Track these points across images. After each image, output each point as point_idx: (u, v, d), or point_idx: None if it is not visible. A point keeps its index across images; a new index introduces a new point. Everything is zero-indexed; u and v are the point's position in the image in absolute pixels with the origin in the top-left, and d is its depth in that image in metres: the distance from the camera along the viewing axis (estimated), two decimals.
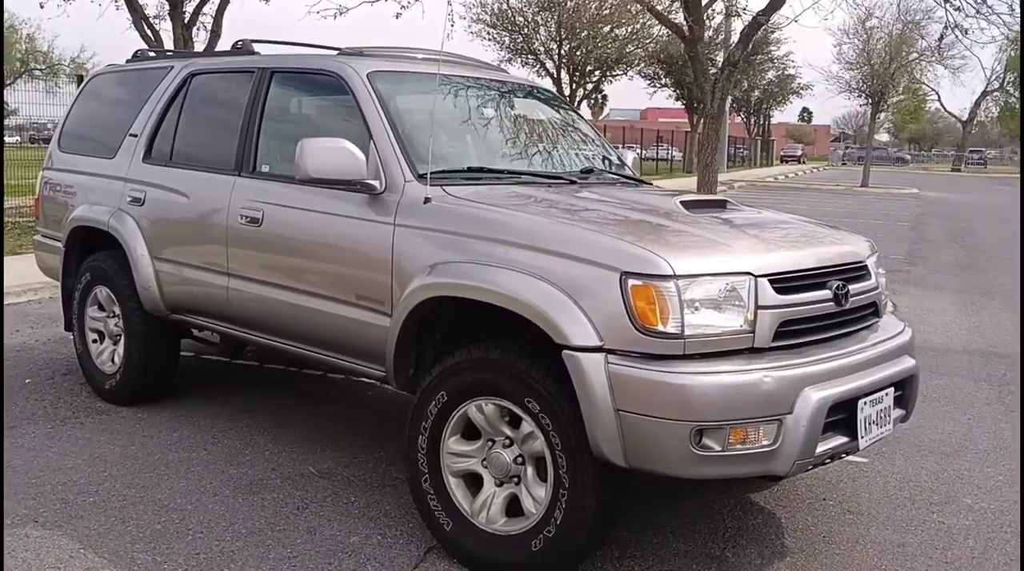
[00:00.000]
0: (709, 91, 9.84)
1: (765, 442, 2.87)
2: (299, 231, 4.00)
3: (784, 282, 3.09)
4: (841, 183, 37.23)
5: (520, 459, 3.21)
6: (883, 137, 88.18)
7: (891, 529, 3.80)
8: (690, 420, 2.79)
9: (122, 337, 5.03)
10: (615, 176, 4.57)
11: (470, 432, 3.36)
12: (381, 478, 4.15)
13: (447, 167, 3.87)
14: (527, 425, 3.14)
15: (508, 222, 3.32)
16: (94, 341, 5.23)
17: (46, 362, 5.98)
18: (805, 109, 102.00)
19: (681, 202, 3.68)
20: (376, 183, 3.70)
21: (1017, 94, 52.81)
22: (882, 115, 41.31)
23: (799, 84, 55.14)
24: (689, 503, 3.94)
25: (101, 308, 5.17)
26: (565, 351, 2.94)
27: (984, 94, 57.20)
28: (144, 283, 4.77)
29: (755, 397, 2.85)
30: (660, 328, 2.85)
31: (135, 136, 5.02)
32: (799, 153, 72.02)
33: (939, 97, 73.44)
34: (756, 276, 3.01)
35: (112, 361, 5.13)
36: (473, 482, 3.37)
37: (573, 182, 4.15)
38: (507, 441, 3.24)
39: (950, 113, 67.66)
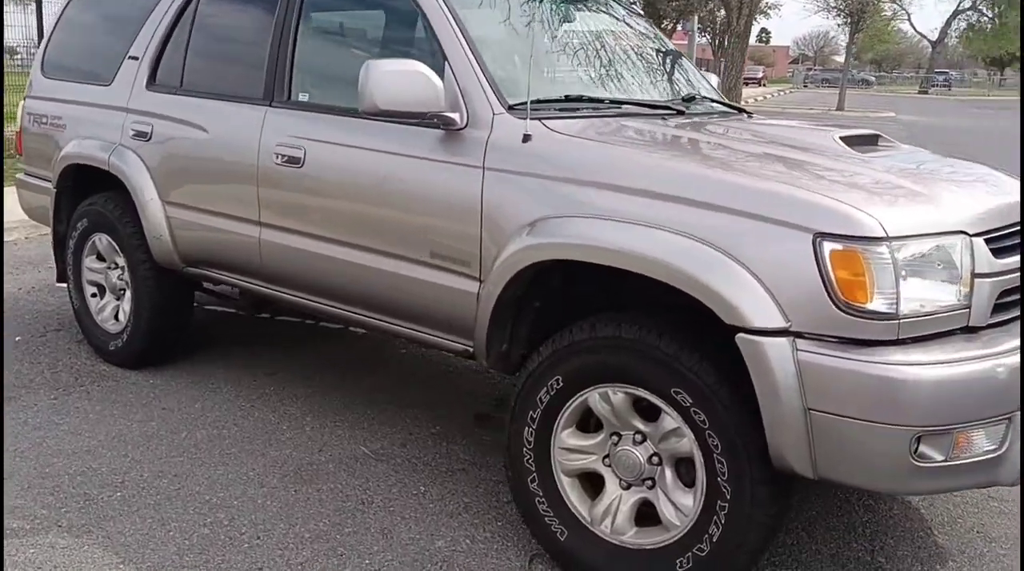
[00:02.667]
0: (735, 6, 9.08)
1: (990, 447, 2.32)
2: (354, 174, 3.32)
3: (998, 241, 2.51)
4: (815, 107, 36.64)
5: (656, 458, 2.64)
6: (844, 58, 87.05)
7: None
8: (912, 425, 2.22)
9: (127, 291, 4.34)
10: (718, 104, 3.90)
11: (588, 424, 2.78)
12: (447, 461, 3.57)
13: (538, 96, 3.19)
14: (670, 420, 2.56)
15: (643, 166, 2.68)
16: (93, 296, 4.53)
17: (35, 316, 5.27)
18: (763, 30, 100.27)
19: (840, 137, 3.05)
20: (455, 116, 3.02)
21: (989, 14, 52.16)
22: (859, 35, 40.55)
23: (766, 3, 53.89)
24: (805, 491, 3.41)
25: (100, 258, 4.46)
26: (740, 335, 2.34)
27: (956, 13, 56.45)
28: (155, 231, 4.06)
29: (988, 392, 2.29)
30: (868, 306, 2.26)
31: (136, 59, 4.25)
32: (760, 75, 70.82)
33: (909, 17, 72.74)
34: (971, 235, 2.42)
35: (116, 319, 4.45)
36: (590, 484, 2.80)
37: (681, 112, 3.49)
38: (638, 436, 2.66)
39: (920, 33, 66.97)
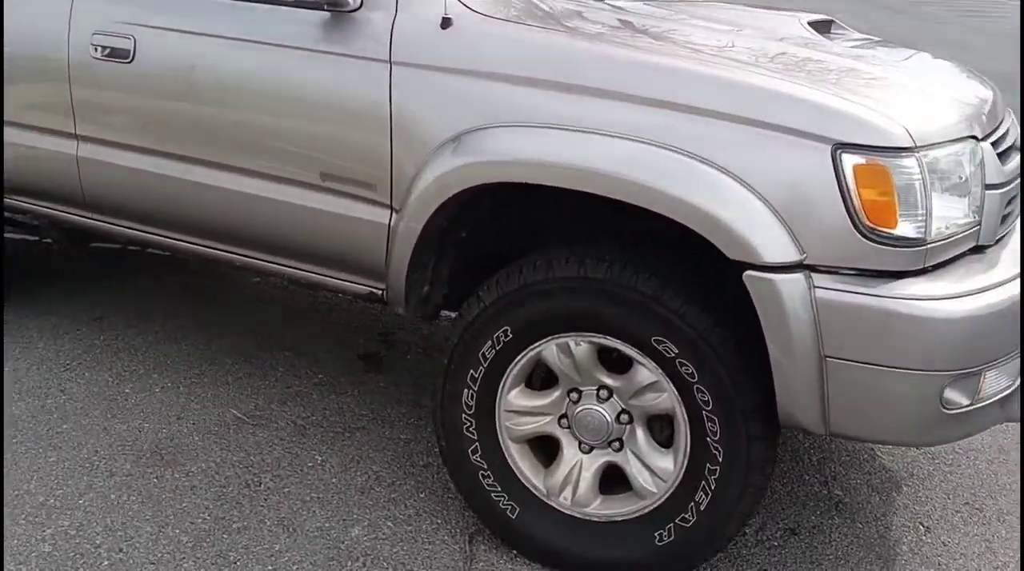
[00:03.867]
0: None
1: (1007, 384, 2.05)
2: (207, 72, 2.58)
3: (1000, 145, 2.20)
4: None
5: (625, 416, 2.22)
6: None
7: None
8: (944, 370, 1.89)
9: None
10: None
11: (539, 379, 2.31)
12: (341, 418, 3.02)
13: None
14: (646, 373, 2.13)
15: (610, 60, 2.14)
16: None
17: None
18: None
19: (809, 23, 2.62)
20: None
21: None
22: None
23: None
24: None
25: None
26: (749, 272, 1.91)
27: None
28: None
29: (1013, 323, 1.98)
30: (896, 231, 1.88)
31: None
32: None
33: None
34: (979, 139, 2.09)
35: None
36: (542, 449, 2.36)
37: None
38: (603, 392, 2.22)
39: None
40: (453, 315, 2.43)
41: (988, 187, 2.07)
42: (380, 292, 2.50)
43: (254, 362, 3.36)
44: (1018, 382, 2.07)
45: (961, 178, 1.99)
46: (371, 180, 2.38)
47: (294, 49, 2.43)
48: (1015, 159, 2.25)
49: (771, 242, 1.89)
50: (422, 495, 2.62)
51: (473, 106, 2.22)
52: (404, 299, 2.39)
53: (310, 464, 2.75)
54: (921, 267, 1.91)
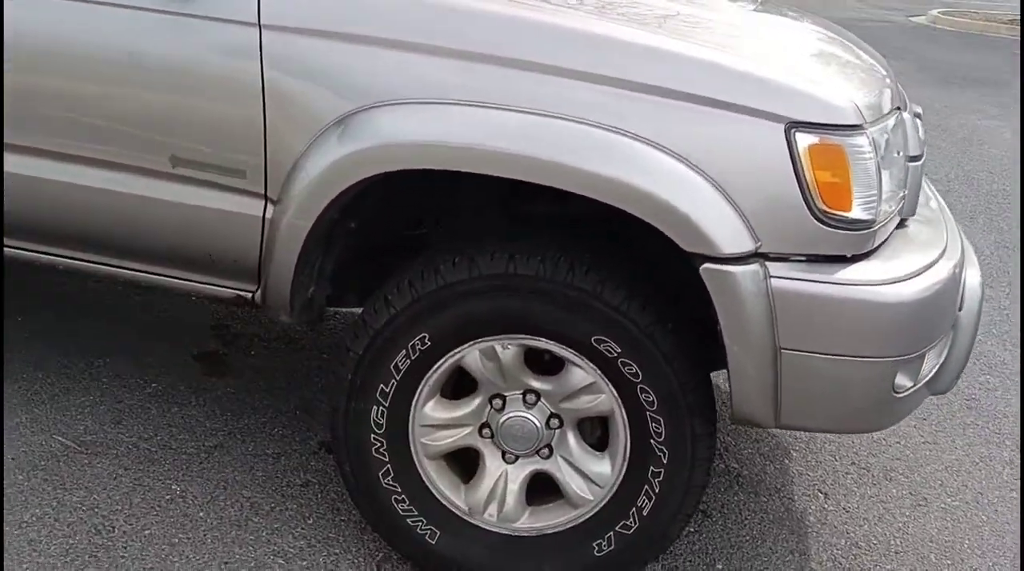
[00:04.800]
0: None
1: (935, 362, 2.03)
2: (20, 34, 2.06)
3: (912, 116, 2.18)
4: None
5: (555, 421, 2.02)
6: None
7: None
8: (899, 355, 1.83)
9: None
10: None
11: (452, 387, 2.06)
12: (191, 436, 2.62)
13: None
14: (581, 374, 1.94)
15: (535, 25, 1.87)
16: None
17: None
18: None
19: None
20: None
21: None
22: None
23: None
24: None
25: None
26: (707, 265, 1.75)
27: None
28: None
29: (952, 299, 1.96)
30: (850, 214, 1.78)
31: None
32: None
33: None
34: (902, 110, 2.05)
35: None
36: (458, 463, 2.12)
37: None
38: (531, 397, 2.01)
39: None
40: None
41: (910, 159, 2.04)
42: (250, 295, 2.14)
43: (72, 373, 2.85)
44: (949, 354, 2.07)
45: (898, 153, 1.93)
46: (238, 166, 2.00)
47: (139, 11, 1.98)
48: (921, 127, 2.24)
49: (729, 232, 1.74)
50: (310, 521, 2.31)
51: (360, 79, 1.90)
52: (289, 304, 2.05)
53: (168, 497, 2.35)
54: (871, 248, 1.84)
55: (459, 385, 2.07)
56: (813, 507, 2.56)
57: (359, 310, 2.11)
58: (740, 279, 1.75)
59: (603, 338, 1.87)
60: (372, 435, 2.01)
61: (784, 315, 1.77)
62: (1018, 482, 2.72)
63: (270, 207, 2.00)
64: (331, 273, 2.14)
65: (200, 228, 2.08)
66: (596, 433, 2.07)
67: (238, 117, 1.95)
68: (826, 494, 2.62)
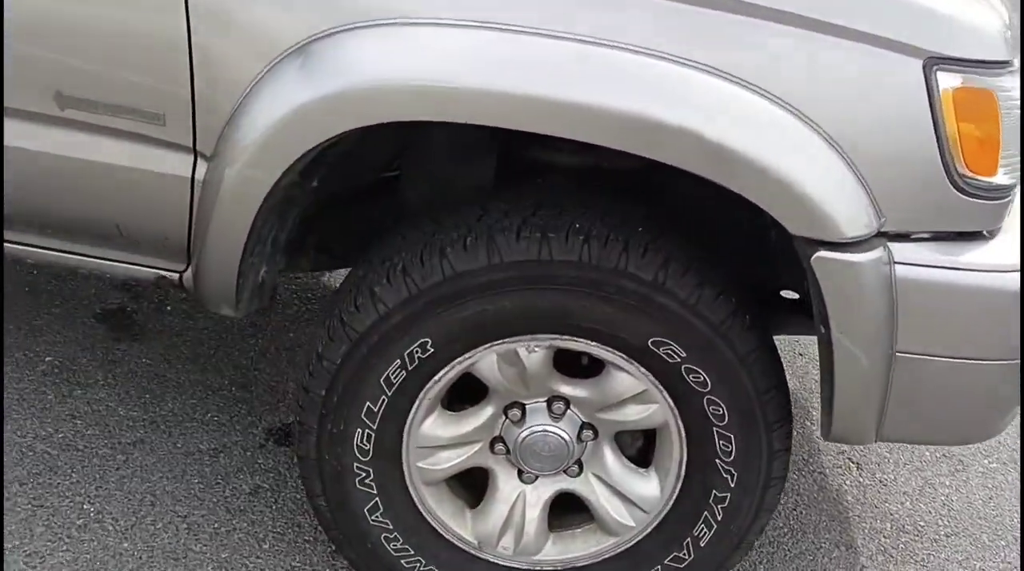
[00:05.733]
0: None
1: None
2: None
3: None
4: None
5: (589, 432, 1.59)
6: None
7: None
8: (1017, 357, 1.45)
9: None
10: None
11: (460, 397, 1.60)
12: (104, 430, 2.09)
13: None
14: (629, 382, 1.50)
15: None
16: None
17: None
18: None
19: None
20: None
21: None
22: None
23: None
24: None
25: None
26: (822, 254, 1.31)
27: None
28: None
29: None
30: (994, 178, 1.35)
31: None
32: None
33: None
34: None
35: None
36: (461, 485, 1.68)
37: None
38: (558, 405, 1.56)
39: None
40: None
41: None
42: (176, 276, 1.60)
43: None
44: None
45: None
46: (152, 108, 1.43)
47: None
48: None
49: (853, 208, 1.30)
50: (265, 545, 1.85)
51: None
52: (235, 294, 1.52)
53: (80, 522, 1.85)
54: (999, 226, 1.43)
55: (461, 389, 1.61)
56: (848, 483, 2.24)
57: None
58: (864, 270, 1.32)
59: (664, 341, 1.43)
60: (355, 464, 1.54)
61: (907, 311, 1.36)
62: None
63: (201, 165, 1.45)
64: (285, 245, 1.62)
65: (102, 191, 1.52)
66: (637, 444, 1.66)
67: (149, 35, 1.38)
68: (859, 464, 2.30)
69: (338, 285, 1.79)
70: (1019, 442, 2.28)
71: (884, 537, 2.10)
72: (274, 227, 1.51)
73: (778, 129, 1.28)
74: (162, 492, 1.94)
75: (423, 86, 1.30)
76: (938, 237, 1.37)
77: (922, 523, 2.15)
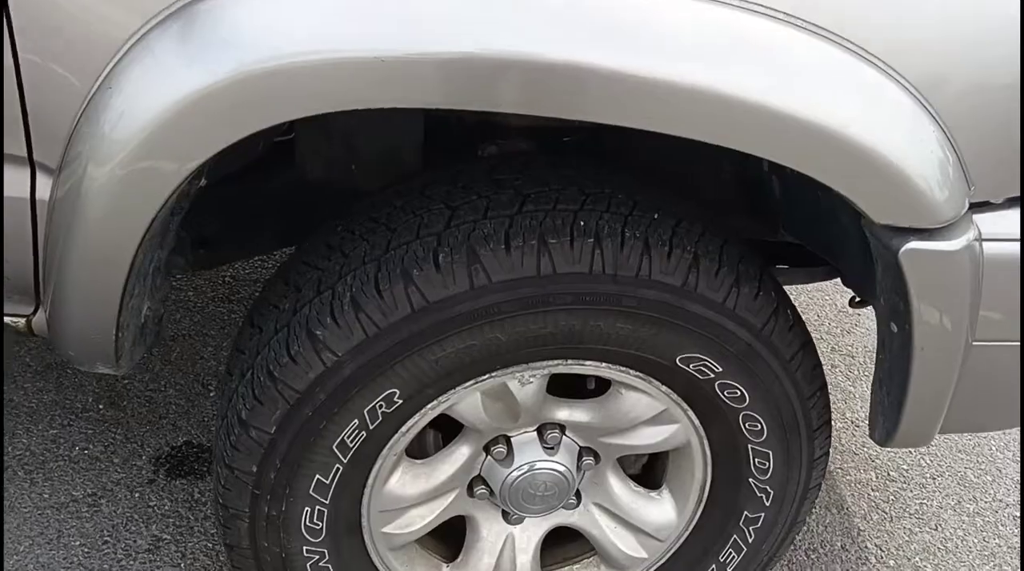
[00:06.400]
0: None
1: None
2: None
3: None
4: None
5: (590, 458, 1.28)
6: None
7: None
8: None
9: None
10: None
11: (426, 440, 1.25)
12: None
13: None
14: (644, 402, 1.20)
15: None
16: None
17: None
18: None
19: None
20: None
21: None
22: None
23: None
24: None
25: None
26: (912, 245, 1.01)
27: None
28: None
29: None
30: None
31: None
32: None
33: None
34: None
35: None
36: (431, 536, 1.35)
37: None
38: (552, 434, 1.24)
39: None
40: None
41: None
42: (22, 321, 1.15)
43: None
44: None
45: None
46: None
47: None
48: None
49: (948, 185, 1.00)
50: None
51: None
52: (114, 346, 1.09)
53: None
54: None
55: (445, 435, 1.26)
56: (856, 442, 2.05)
57: None
58: (963, 259, 1.04)
59: (695, 356, 1.12)
60: (306, 547, 1.18)
61: (991, 293, 1.10)
62: None
63: (43, 180, 1.00)
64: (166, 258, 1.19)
65: None
66: (640, 462, 1.37)
67: None
68: (856, 424, 2.11)
69: None
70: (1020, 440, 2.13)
71: (872, 489, 1.93)
72: (157, 249, 1.08)
73: (875, 95, 0.95)
74: (35, 566, 1.52)
75: (392, 54, 0.88)
76: (1012, 203, 1.11)
77: (905, 466, 1.99)
